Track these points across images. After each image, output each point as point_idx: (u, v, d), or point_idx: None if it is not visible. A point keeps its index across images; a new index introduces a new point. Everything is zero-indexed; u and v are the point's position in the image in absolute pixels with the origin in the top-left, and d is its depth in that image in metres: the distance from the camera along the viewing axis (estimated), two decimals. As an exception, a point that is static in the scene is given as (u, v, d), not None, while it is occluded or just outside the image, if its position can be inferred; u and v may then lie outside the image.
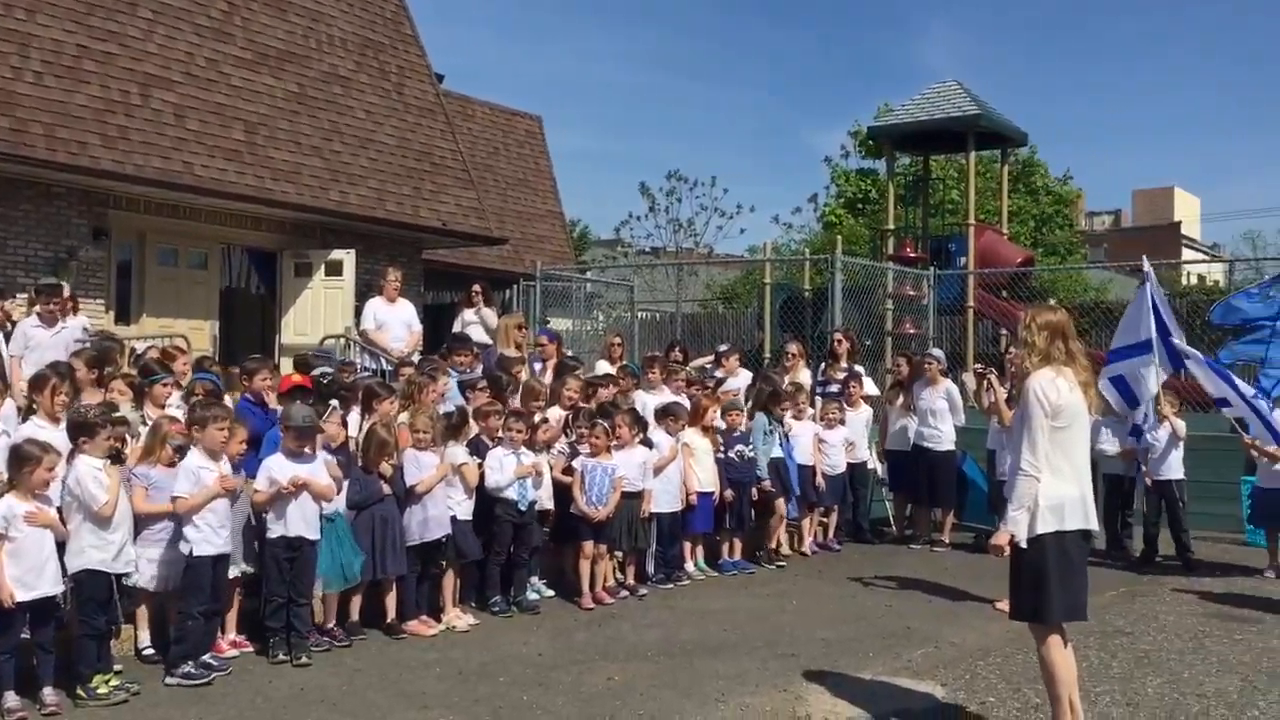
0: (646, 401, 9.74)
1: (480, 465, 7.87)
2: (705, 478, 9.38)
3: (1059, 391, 5.13)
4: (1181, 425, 10.06)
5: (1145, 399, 9.92)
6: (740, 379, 11.32)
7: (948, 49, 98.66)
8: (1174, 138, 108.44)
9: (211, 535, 6.30)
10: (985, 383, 9.72)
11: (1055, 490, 5.10)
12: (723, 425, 9.70)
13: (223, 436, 6.46)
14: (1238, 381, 9.63)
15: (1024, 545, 5.11)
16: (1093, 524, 5.24)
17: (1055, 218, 31.01)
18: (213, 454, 6.43)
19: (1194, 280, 34.82)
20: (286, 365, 11.98)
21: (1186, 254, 48.31)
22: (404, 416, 7.79)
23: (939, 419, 10.90)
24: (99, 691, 5.80)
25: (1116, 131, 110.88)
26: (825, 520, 11.04)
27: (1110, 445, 10.19)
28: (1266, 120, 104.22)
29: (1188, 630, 7.70)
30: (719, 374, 11.28)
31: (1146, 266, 10.07)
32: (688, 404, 9.68)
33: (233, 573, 6.70)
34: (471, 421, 8.21)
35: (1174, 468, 10.11)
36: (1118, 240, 53.69)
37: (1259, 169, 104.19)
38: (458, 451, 7.74)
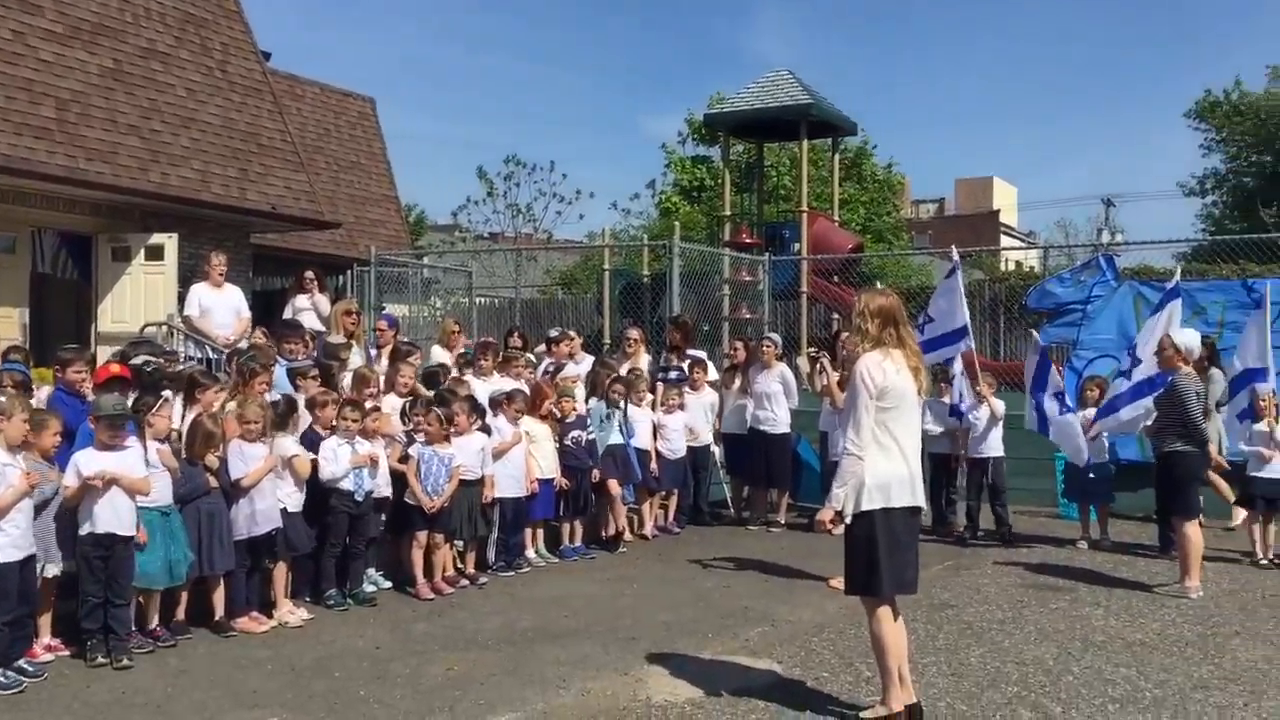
0: (478, 389, 9.63)
1: (313, 456, 7.65)
2: (545, 464, 9.35)
3: (885, 373, 5.28)
4: (1000, 405, 10.51)
5: (955, 377, 10.43)
6: (582, 364, 11.33)
7: (780, 38, 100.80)
8: (993, 130, 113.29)
9: (18, 539, 5.93)
10: (818, 366, 9.94)
11: (882, 469, 5.26)
12: (559, 412, 9.69)
13: (25, 430, 6.10)
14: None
15: (849, 521, 5.25)
16: (920, 501, 5.41)
17: (882, 205, 31.96)
18: (15, 450, 6.06)
19: (1012, 266, 36.46)
20: (105, 354, 11.42)
21: (1005, 241, 50.60)
22: (230, 406, 7.50)
23: (774, 402, 11.11)
24: (-104, 705, 5.42)
25: (941, 123, 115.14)
26: (666, 504, 11.15)
27: (934, 426, 10.56)
28: (1077, 113, 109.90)
29: (1008, 601, 8.07)
30: (549, 360, 11.26)
31: (955, 255, 10.51)
32: (526, 390, 9.63)
33: (51, 571, 6.35)
34: (304, 411, 7.97)
35: (993, 446, 10.55)
36: (941, 227, 55.82)
37: (1071, 160, 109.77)
38: (286, 443, 7.49)
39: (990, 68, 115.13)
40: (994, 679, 6.12)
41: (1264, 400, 9.60)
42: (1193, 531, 8.34)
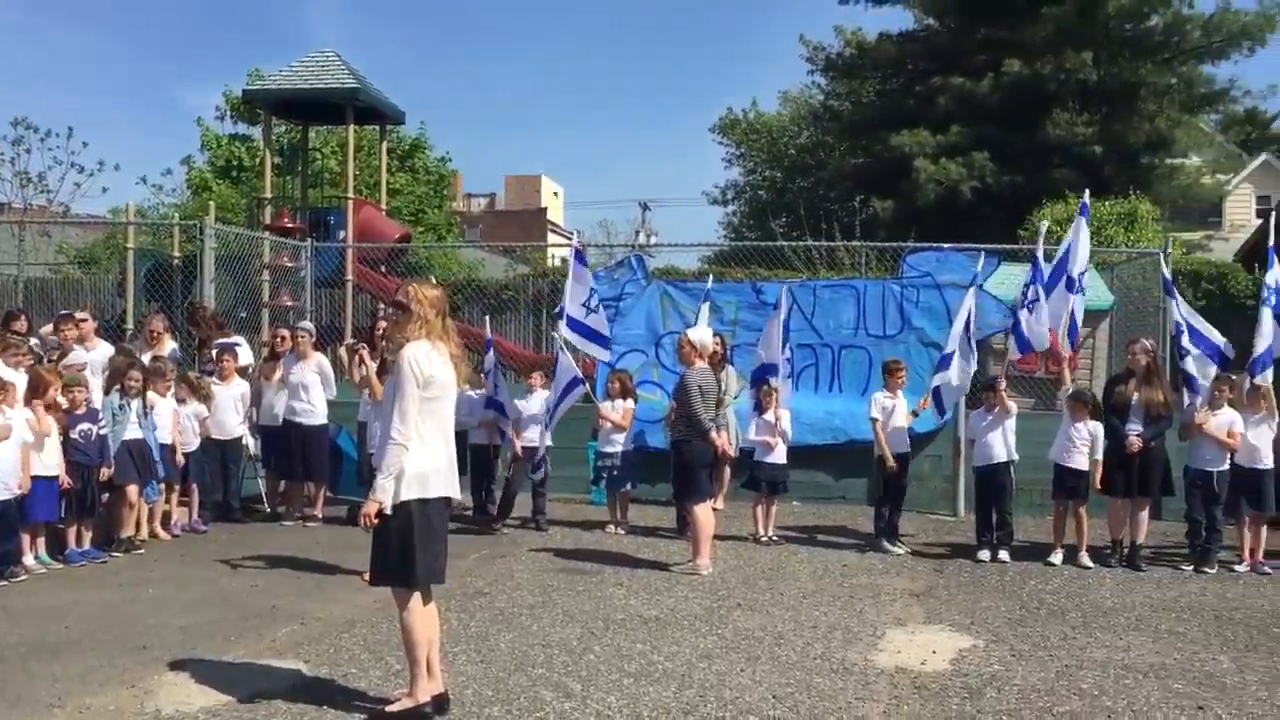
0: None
1: None
2: (48, 460, 8.44)
3: (432, 363, 5.25)
4: (543, 396, 10.88)
5: (491, 368, 10.75)
6: (99, 352, 10.38)
7: (330, 19, 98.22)
8: (543, 131, 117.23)
9: None
10: (356, 358, 9.74)
11: (422, 459, 5.22)
12: (65, 403, 8.79)
13: None
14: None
15: (390, 512, 5.17)
16: (454, 491, 5.42)
17: (434, 197, 32.04)
18: None
19: (558, 263, 37.91)
20: None
21: (552, 238, 52.49)
22: None
23: (310, 393, 10.78)
24: None
25: (494, 121, 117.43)
26: (188, 500, 10.45)
27: (472, 418, 10.71)
28: (619, 122, 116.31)
29: (539, 586, 8.32)
30: (61, 344, 10.22)
31: (577, 243, 11.05)
32: (22, 379, 8.62)
33: None
34: None
35: (538, 436, 10.87)
36: (492, 222, 57.00)
37: (616, 164, 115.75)
38: None
39: (543, 71, 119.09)
40: (521, 663, 6.27)
41: (768, 393, 10.62)
42: (702, 513, 9.02)
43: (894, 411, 10.17)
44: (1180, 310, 10.24)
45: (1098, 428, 9.70)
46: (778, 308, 10.85)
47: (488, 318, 12.08)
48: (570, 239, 13.95)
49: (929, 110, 26.13)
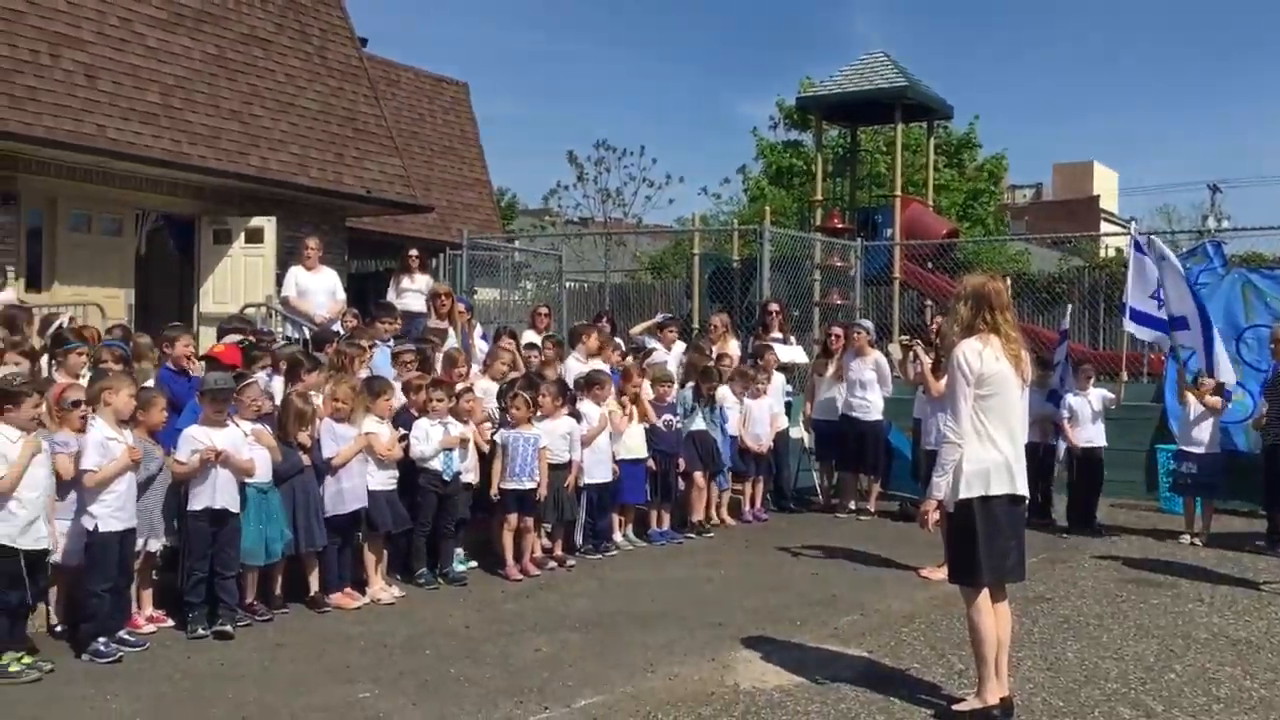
0: (575, 370, 9.69)
1: (404, 436, 7.73)
2: (634, 445, 9.34)
3: (983, 360, 5.17)
4: (1106, 394, 10.33)
5: (1059, 363, 10.26)
6: (673, 350, 11.37)
7: (875, 19, 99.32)
8: (1093, 114, 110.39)
9: (118, 510, 6.10)
10: (911, 354, 9.78)
11: (981, 456, 5.15)
12: (652, 395, 9.69)
13: (132, 405, 6.27)
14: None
15: (950, 510, 5.16)
16: (1020, 490, 5.27)
17: (984, 193, 31.30)
18: (122, 424, 6.24)
19: (1113, 253, 35.54)
20: (207, 335, 11.77)
21: (1105, 228, 49.31)
22: (328, 386, 7.61)
23: (868, 389, 10.98)
24: (10, 669, 5.60)
25: (1039, 106, 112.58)
26: (752, 491, 11.07)
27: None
28: (1181, 98, 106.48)
29: (1106, 595, 7.86)
30: (655, 345, 11.28)
31: (1135, 233, 10.51)
32: (609, 372, 9.63)
33: (154, 546, 6.53)
34: (400, 393, 8.05)
35: (1100, 435, 10.32)
36: (1038, 213, 54.68)
37: (1173, 145, 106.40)
38: (368, 421, 7.54)
39: (1090, 50, 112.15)
40: (1091, 675, 5.96)
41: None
42: (1305, 528, 8.04)
43: None
44: None
45: None
46: None
47: (1069, 307, 11.68)
48: (1126, 227, 13.02)
49: None
